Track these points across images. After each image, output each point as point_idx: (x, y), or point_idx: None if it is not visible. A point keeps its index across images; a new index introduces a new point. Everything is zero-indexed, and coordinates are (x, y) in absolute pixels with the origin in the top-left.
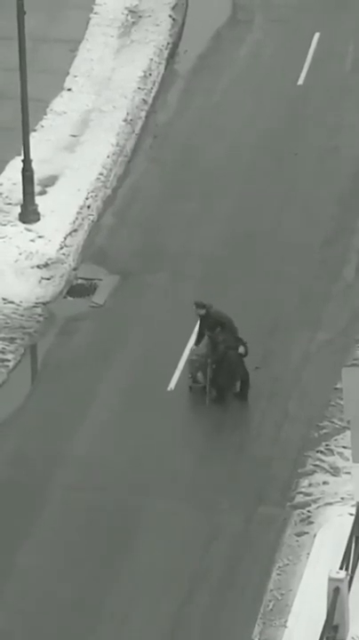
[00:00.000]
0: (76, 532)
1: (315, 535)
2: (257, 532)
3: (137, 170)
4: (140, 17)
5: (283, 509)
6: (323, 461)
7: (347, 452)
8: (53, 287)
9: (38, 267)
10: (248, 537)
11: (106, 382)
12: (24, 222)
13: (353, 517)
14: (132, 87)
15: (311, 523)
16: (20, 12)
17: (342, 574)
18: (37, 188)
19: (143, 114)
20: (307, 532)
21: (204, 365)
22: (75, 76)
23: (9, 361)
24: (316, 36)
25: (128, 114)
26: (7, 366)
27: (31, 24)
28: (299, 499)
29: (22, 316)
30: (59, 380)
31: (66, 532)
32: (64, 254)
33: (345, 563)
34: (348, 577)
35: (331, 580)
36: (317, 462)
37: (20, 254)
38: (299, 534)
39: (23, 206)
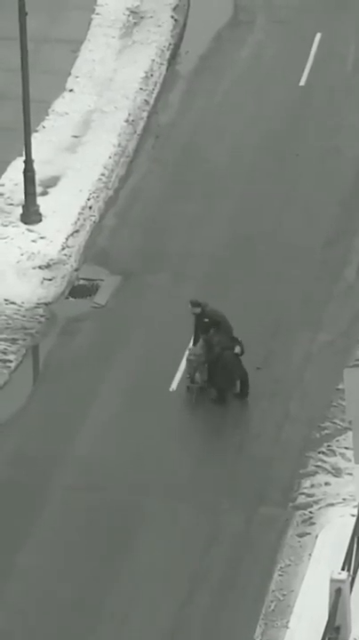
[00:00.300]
0: (77, 532)
1: (316, 536)
2: (258, 532)
3: (138, 170)
4: (142, 18)
5: (285, 510)
6: (324, 462)
7: (349, 453)
8: (55, 288)
9: (40, 267)
10: (249, 538)
11: (107, 383)
12: (26, 223)
13: (354, 518)
14: (134, 88)
15: (313, 523)
16: (22, 13)
17: (344, 575)
18: (39, 189)
19: (145, 114)
20: (308, 533)
21: (202, 365)
22: (77, 77)
23: (11, 361)
24: (318, 36)
25: (130, 114)
26: (9, 367)
27: (33, 25)
28: (301, 499)
29: (24, 316)
30: (60, 380)
31: (66, 532)
32: (66, 255)
33: (347, 564)
34: (350, 578)
35: (332, 580)
36: (319, 463)
37: (22, 255)
38: (300, 535)
39: (25, 207)
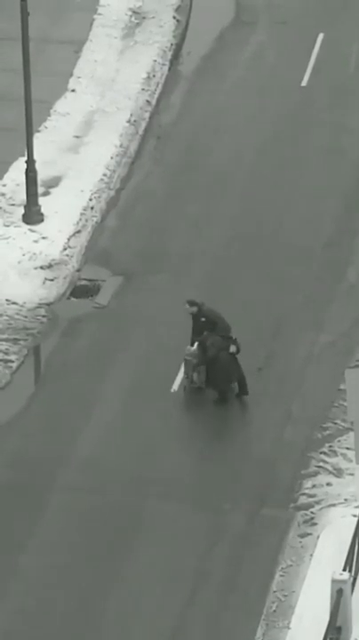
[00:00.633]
0: (78, 533)
1: (318, 536)
2: (260, 533)
3: (140, 171)
4: (144, 18)
5: (287, 511)
6: (326, 463)
7: (351, 454)
8: (57, 288)
9: (42, 268)
10: (250, 538)
11: (109, 383)
12: (27, 223)
13: (356, 519)
14: (136, 88)
15: (314, 524)
16: (24, 14)
17: (345, 576)
18: (41, 189)
19: (147, 115)
20: (310, 534)
21: (199, 366)
22: (79, 78)
23: (12, 362)
24: (320, 37)
25: (132, 115)
26: (11, 367)
27: (35, 25)
28: (303, 500)
29: (26, 317)
30: (62, 380)
31: (68, 533)
32: (67, 255)
33: (348, 564)
34: (352, 578)
35: (334, 581)
36: (320, 464)
37: (24, 255)
38: (302, 535)
39: (27, 207)
